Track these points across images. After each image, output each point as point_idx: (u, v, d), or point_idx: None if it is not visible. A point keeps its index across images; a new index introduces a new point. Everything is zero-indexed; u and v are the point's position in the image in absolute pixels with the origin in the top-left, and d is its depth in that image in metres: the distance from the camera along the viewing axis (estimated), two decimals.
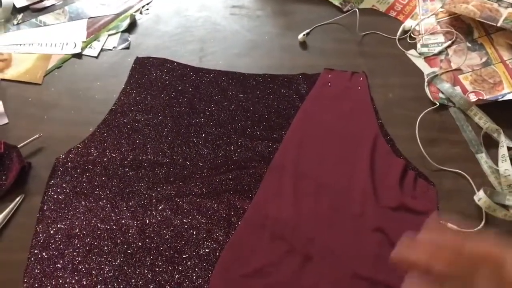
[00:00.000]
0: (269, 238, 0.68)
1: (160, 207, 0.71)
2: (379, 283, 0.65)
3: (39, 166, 0.75)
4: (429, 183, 0.74)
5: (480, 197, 0.70)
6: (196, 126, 0.79)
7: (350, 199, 0.72)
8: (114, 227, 0.69)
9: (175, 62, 0.87)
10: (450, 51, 0.89)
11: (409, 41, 0.92)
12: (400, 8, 0.98)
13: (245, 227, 0.69)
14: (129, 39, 0.91)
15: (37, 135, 0.76)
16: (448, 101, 0.83)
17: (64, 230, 0.69)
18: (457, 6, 0.91)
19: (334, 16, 0.95)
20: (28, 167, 0.74)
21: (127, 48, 0.90)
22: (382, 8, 0.98)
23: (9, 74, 0.85)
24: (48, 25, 0.93)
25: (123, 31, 0.92)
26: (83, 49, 0.89)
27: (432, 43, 0.91)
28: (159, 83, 0.84)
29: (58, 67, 0.87)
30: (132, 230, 0.69)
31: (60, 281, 0.65)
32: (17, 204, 0.71)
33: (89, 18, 0.95)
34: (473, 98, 0.83)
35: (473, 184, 0.74)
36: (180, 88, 0.84)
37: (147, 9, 0.97)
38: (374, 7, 0.98)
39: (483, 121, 0.80)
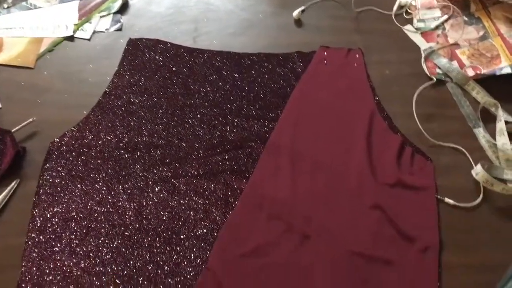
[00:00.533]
0: (266, 218, 0.68)
1: (156, 189, 0.71)
2: (377, 260, 0.65)
3: (34, 151, 0.74)
4: (427, 159, 0.74)
5: (478, 171, 0.70)
6: (191, 107, 0.79)
7: (347, 177, 0.71)
8: (111, 210, 0.69)
9: (169, 43, 0.86)
10: (447, 25, 0.88)
11: (405, 16, 0.91)
12: None
13: (242, 207, 0.69)
14: (122, 20, 0.90)
15: (30, 119, 0.75)
16: (445, 77, 0.82)
17: (60, 213, 0.68)
18: None
19: None
20: (23, 151, 0.74)
21: (120, 29, 0.89)
22: None
23: (1, 58, 0.84)
24: (39, 7, 0.92)
25: (115, 13, 0.91)
26: (75, 31, 0.88)
27: (428, 18, 0.90)
28: (152, 64, 0.83)
29: (50, 50, 0.86)
30: (129, 212, 0.69)
31: (58, 264, 0.65)
32: (13, 189, 0.71)
33: (80, 0, 0.93)
34: (470, 72, 0.82)
35: (470, 159, 0.74)
36: (174, 69, 0.83)
37: None
38: None
39: (481, 95, 0.79)
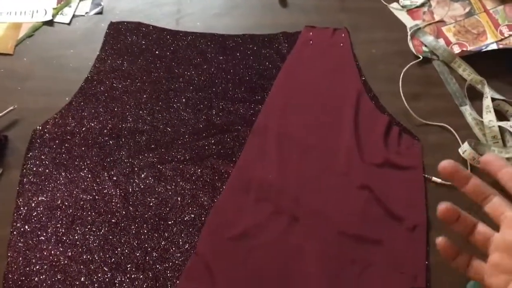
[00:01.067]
0: (254, 201, 0.67)
1: (142, 175, 0.70)
2: (366, 240, 0.65)
3: (16, 139, 0.73)
4: (414, 138, 0.73)
5: (465, 149, 0.70)
6: (176, 91, 0.77)
7: (335, 158, 0.71)
8: (96, 197, 0.68)
9: (151, 25, 0.84)
10: (433, 2, 0.87)
11: None
12: None
13: (230, 190, 0.69)
14: (102, 3, 0.88)
15: (11, 107, 0.74)
16: (431, 54, 0.82)
17: (45, 202, 0.67)
18: None
19: None
20: (4, 140, 0.72)
21: (100, 13, 0.87)
22: None
23: None
24: None
25: None
26: (54, 16, 0.86)
27: None
28: (135, 48, 0.81)
29: (29, 36, 0.84)
30: (115, 199, 0.68)
31: (45, 253, 0.64)
32: None
33: None
34: (456, 49, 0.81)
35: (457, 137, 0.74)
36: (157, 52, 0.81)
37: None
38: None
39: (467, 72, 0.79)
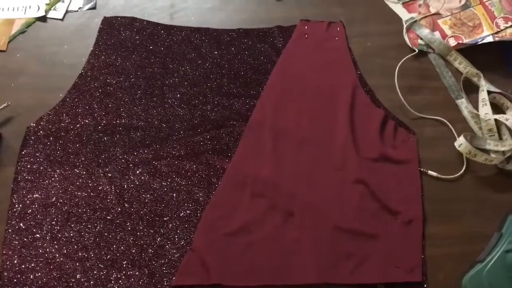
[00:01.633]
0: (250, 196, 0.67)
1: (137, 171, 0.70)
2: (361, 234, 0.65)
3: (10, 136, 0.72)
4: (410, 132, 0.73)
5: (461, 142, 0.70)
6: (170, 87, 0.77)
7: (331, 153, 0.71)
8: (91, 194, 0.68)
9: (145, 20, 0.83)
10: None
11: None
12: None
13: (226, 186, 0.68)
14: None
15: (5, 104, 0.73)
16: (427, 47, 0.81)
17: (40, 199, 0.67)
18: None
19: None
20: None
21: (93, 8, 0.86)
22: None
23: None
24: None
25: None
26: (47, 11, 0.85)
27: None
28: (129, 43, 0.81)
29: (22, 32, 0.83)
30: (111, 196, 0.68)
31: (40, 251, 0.64)
32: None
33: None
34: (452, 42, 0.81)
35: (453, 130, 0.74)
36: (151, 47, 0.80)
37: None
38: None
39: (463, 65, 0.79)
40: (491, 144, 0.70)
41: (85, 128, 0.73)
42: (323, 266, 0.63)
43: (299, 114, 0.74)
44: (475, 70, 0.77)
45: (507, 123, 0.71)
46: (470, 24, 0.83)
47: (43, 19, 0.85)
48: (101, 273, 0.63)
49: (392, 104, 0.76)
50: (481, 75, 0.76)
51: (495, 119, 0.72)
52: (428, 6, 0.85)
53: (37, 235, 0.65)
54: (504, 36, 0.80)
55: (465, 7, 0.84)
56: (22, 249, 0.64)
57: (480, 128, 0.74)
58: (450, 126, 0.74)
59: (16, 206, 0.67)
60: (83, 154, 0.71)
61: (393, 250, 0.64)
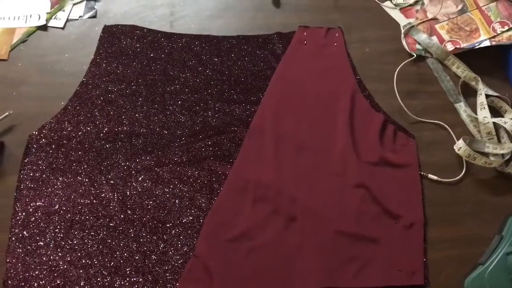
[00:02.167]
0: (252, 202, 0.68)
1: (140, 178, 0.70)
2: (363, 238, 0.65)
3: (12, 145, 0.73)
4: (409, 136, 0.74)
5: (460, 146, 0.71)
6: (172, 94, 0.77)
7: (331, 157, 0.71)
8: (94, 201, 0.68)
9: (145, 28, 0.84)
10: (425, 0, 0.88)
11: None
12: None
13: (228, 192, 0.69)
14: (96, 7, 0.88)
15: (7, 113, 0.74)
16: (425, 52, 0.82)
17: (43, 207, 0.67)
18: None
19: None
20: (1, 146, 0.72)
21: (94, 16, 0.86)
22: None
23: None
24: None
25: None
26: (48, 20, 0.86)
27: None
28: (130, 51, 0.81)
29: (23, 41, 0.84)
30: (113, 203, 0.68)
31: (44, 258, 0.64)
32: None
33: None
34: (450, 47, 0.82)
35: (452, 134, 0.74)
36: (152, 55, 0.81)
37: None
38: None
39: (461, 70, 0.79)
40: (490, 147, 0.71)
41: (87, 136, 0.73)
42: (325, 271, 0.63)
43: (299, 120, 0.75)
44: (473, 74, 0.78)
45: (505, 126, 0.71)
46: (467, 28, 0.83)
47: (44, 28, 0.85)
48: (105, 280, 0.63)
49: (391, 109, 0.76)
50: (479, 79, 0.77)
51: (494, 122, 0.73)
52: (425, 12, 0.86)
53: (41, 243, 0.65)
54: (501, 40, 0.81)
55: (462, 12, 0.85)
56: (26, 257, 0.64)
57: (479, 132, 0.74)
58: (449, 130, 0.75)
59: (19, 214, 0.67)
60: (86, 161, 0.71)
61: (395, 253, 0.65)
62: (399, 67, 0.79)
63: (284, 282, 0.63)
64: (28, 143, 0.72)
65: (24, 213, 0.67)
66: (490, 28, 0.83)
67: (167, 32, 0.84)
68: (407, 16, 0.86)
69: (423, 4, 0.87)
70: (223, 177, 0.70)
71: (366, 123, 0.74)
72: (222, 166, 0.71)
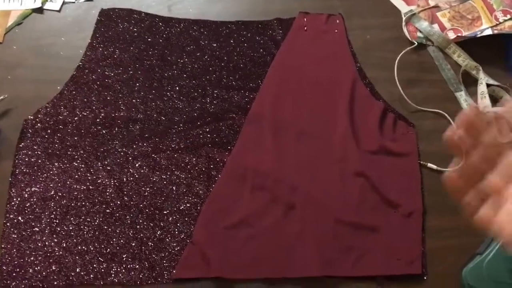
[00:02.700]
0: (250, 189, 0.67)
1: (137, 165, 0.69)
2: (362, 227, 0.65)
3: (7, 129, 0.72)
4: (409, 125, 0.73)
5: None
6: (169, 79, 0.76)
7: (331, 145, 0.71)
8: (90, 187, 0.67)
9: (143, 12, 0.82)
10: None
11: None
12: None
13: (226, 179, 0.68)
14: None
15: (2, 97, 0.73)
16: (426, 40, 0.81)
17: (38, 193, 0.67)
18: None
19: None
20: None
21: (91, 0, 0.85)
22: None
23: None
24: None
25: None
26: (43, 3, 0.84)
27: None
28: (127, 35, 0.80)
29: (18, 23, 0.82)
30: (110, 189, 0.67)
31: (39, 244, 0.63)
32: None
33: None
34: (451, 35, 0.81)
35: (453, 123, 0.73)
36: (149, 40, 0.80)
37: None
38: None
39: (462, 58, 0.79)
40: None
41: (83, 121, 0.72)
42: (324, 259, 0.63)
43: (298, 107, 0.74)
44: (474, 63, 0.77)
45: None
46: (469, 17, 0.82)
47: (39, 10, 0.84)
48: (101, 266, 0.62)
49: (391, 97, 0.76)
50: (480, 68, 0.76)
51: None
52: None
53: (36, 229, 0.64)
54: (503, 29, 0.80)
55: (464, 0, 0.84)
56: (21, 243, 0.63)
57: None
58: (449, 119, 0.74)
59: (14, 199, 0.66)
60: (82, 147, 0.70)
61: (394, 242, 0.64)
62: (400, 55, 0.78)
63: (283, 270, 0.62)
64: (23, 127, 0.71)
65: (19, 199, 0.66)
66: (492, 16, 0.82)
67: (165, 17, 0.82)
68: (408, 3, 0.85)
69: None
70: (221, 164, 0.69)
71: (366, 112, 0.73)
72: (220, 153, 0.70)
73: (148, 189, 0.67)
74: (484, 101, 0.73)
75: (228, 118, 0.73)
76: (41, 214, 0.65)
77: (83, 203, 0.66)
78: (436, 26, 0.82)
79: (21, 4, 0.84)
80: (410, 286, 0.63)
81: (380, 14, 0.85)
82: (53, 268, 0.62)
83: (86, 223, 0.65)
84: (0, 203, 0.66)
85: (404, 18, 0.83)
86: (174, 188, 0.68)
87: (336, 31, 0.81)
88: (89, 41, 0.79)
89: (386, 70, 0.78)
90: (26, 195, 0.66)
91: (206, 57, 0.79)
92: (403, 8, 0.85)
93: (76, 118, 0.72)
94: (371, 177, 0.68)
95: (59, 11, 0.84)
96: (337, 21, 0.82)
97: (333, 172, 0.69)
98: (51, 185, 0.67)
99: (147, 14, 0.82)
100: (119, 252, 0.63)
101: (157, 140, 0.71)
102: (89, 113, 0.73)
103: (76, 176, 0.68)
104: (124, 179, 0.68)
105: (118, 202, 0.66)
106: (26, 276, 0.61)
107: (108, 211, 0.66)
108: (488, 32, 0.80)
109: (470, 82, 0.78)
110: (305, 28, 0.81)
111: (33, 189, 0.67)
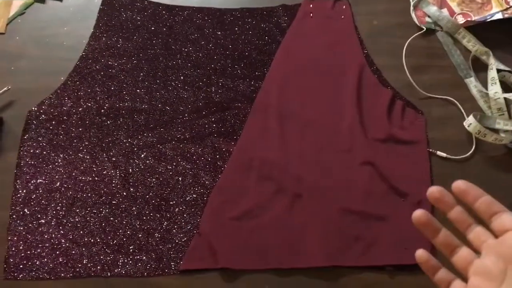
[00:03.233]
0: (257, 179, 0.66)
1: (142, 155, 0.69)
2: (370, 216, 0.64)
3: (11, 121, 0.71)
4: (418, 112, 0.72)
5: (470, 122, 0.69)
6: (174, 69, 0.75)
7: (338, 134, 0.70)
8: (96, 179, 0.67)
9: (146, 0, 0.81)
10: None
11: None
12: None
13: (232, 169, 0.68)
14: None
15: (5, 88, 0.72)
16: (435, 25, 0.79)
17: (44, 184, 0.66)
18: None
19: None
20: (0, 122, 0.71)
21: None
22: None
23: None
24: None
25: None
26: None
27: None
28: (130, 24, 0.79)
29: (21, 13, 0.81)
30: (115, 180, 0.67)
31: (46, 236, 0.63)
32: None
33: None
34: (460, 20, 0.79)
35: (462, 110, 0.73)
36: (153, 28, 0.79)
37: None
38: None
39: (472, 43, 0.77)
40: (500, 123, 0.69)
41: (87, 112, 0.71)
42: (331, 249, 0.62)
43: (305, 95, 0.73)
44: (484, 48, 0.76)
45: None
46: (479, 0, 0.81)
47: (41, 0, 0.82)
48: (108, 258, 0.62)
49: (399, 84, 0.74)
50: (490, 53, 0.75)
51: (505, 98, 0.71)
52: None
53: (42, 221, 0.64)
54: None
55: None
56: (28, 235, 0.63)
57: (489, 107, 0.72)
58: (459, 106, 0.73)
59: (20, 191, 0.66)
60: (87, 138, 0.70)
61: (402, 232, 0.64)
62: (408, 40, 0.76)
63: (290, 260, 0.62)
64: (27, 119, 0.71)
65: (25, 191, 0.66)
66: (502, 0, 0.80)
67: (169, 5, 0.81)
68: None
69: None
70: (227, 154, 0.69)
71: (373, 99, 0.72)
72: (226, 143, 0.70)
73: (154, 180, 0.67)
74: (495, 87, 0.71)
75: (233, 107, 0.72)
76: (47, 206, 0.65)
77: (89, 195, 0.66)
78: (445, 11, 0.80)
79: None
80: (419, 275, 0.62)
81: None
82: (60, 260, 0.62)
83: (92, 214, 0.65)
84: (6, 195, 0.66)
85: (412, 3, 0.81)
86: (180, 178, 0.67)
87: (342, 17, 0.80)
88: (92, 30, 0.78)
89: (394, 56, 0.76)
90: (31, 187, 0.66)
91: (210, 45, 0.77)
92: None
93: (80, 109, 0.72)
94: (379, 165, 0.67)
95: (61, 0, 0.83)
96: (344, 6, 0.81)
97: (341, 161, 0.68)
98: (56, 176, 0.67)
99: (150, 2, 0.81)
100: (126, 244, 0.63)
101: (162, 130, 0.70)
102: (93, 103, 0.72)
103: (82, 168, 0.68)
104: (130, 170, 0.68)
105: (124, 193, 0.66)
106: (33, 268, 0.61)
107: (114, 202, 0.65)
108: (499, 16, 0.78)
109: (480, 68, 0.76)
110: (311, 14, 0.80)
111: (38, 181, 0.67)
